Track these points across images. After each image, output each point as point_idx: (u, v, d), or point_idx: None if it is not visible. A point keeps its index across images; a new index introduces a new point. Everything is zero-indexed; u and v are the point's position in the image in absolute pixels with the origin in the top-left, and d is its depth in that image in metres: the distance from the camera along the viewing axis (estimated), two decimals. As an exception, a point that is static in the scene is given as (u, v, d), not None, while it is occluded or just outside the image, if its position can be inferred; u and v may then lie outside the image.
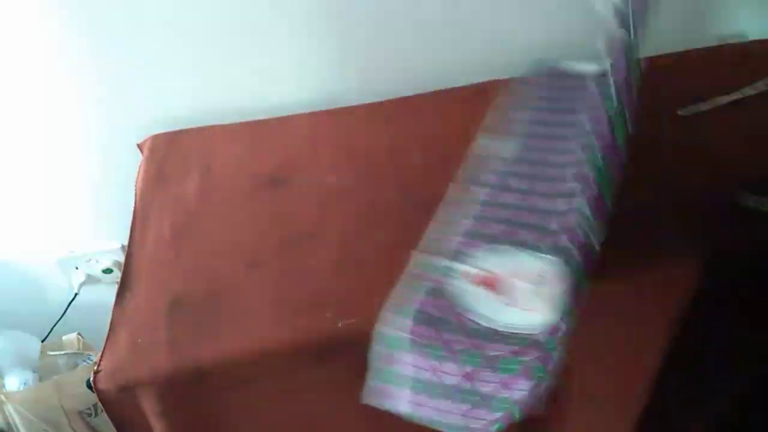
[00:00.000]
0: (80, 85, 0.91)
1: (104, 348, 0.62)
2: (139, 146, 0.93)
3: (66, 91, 0.92)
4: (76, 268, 1.08)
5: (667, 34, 1.08)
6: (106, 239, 1.07)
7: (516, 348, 0.52)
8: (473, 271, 0.58)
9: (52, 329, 1.08)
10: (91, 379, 0.60)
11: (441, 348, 0.53)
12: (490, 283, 0.57)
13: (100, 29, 0.87)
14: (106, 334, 0.64)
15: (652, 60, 1.03)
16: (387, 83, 0.97)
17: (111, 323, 0.65)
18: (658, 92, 0.95)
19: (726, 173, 0.74)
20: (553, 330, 0.52)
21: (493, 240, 0.60)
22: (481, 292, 0.56)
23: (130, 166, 0.88)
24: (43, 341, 1.04)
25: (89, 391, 0.60)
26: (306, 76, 0.97)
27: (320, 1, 0.90)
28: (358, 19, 0.93)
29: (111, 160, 0.98)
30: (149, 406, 0.61)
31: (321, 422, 0.68)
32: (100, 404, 0.61)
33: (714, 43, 1.07)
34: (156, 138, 0.91)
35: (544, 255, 0.56)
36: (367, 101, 0.95)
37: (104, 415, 0.63)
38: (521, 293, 0.55)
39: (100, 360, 0.61)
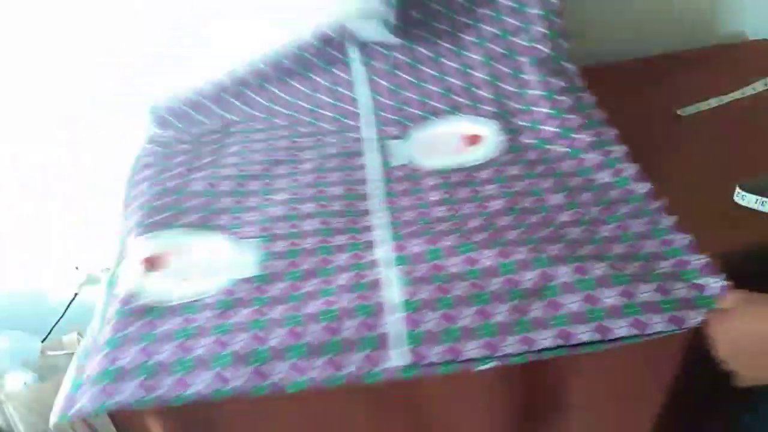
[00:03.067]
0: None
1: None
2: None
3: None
4: (77, 267, 1.08)
5: (667, 34, 1.08)
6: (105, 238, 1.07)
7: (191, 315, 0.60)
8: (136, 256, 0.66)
9: (52, 329, 1.08)
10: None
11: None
12: (150, 262, 0.66)
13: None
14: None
15: (652, 60, 1.04)
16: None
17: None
18: (658, 92, 0.95)
19: (726, 173, 0.74)
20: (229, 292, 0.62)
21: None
22: (144, 272, 0.65)
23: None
24: (43, 341, 1.04)
25: (89, 391, 0.60)
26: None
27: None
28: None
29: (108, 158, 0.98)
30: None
31: (324, 424, 0.68)
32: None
33: (714, 43, 1.07)
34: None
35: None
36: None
37: (104, 415, 0.63)
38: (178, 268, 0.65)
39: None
